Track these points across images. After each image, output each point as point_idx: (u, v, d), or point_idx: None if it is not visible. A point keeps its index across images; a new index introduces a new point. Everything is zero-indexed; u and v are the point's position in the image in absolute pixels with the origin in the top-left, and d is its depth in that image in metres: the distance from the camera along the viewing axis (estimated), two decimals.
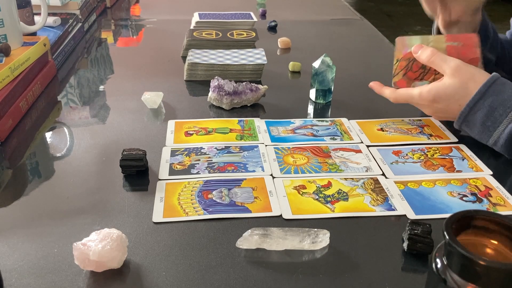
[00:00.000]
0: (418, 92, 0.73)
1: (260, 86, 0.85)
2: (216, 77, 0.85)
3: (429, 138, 0.75)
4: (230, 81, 0.84)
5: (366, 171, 0.67)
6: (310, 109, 0.86)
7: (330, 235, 0.53)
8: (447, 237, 0.37)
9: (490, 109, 0.67)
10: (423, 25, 3.79)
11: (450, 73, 0.70)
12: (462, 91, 0.69)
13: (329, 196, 0.61)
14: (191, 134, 0.75)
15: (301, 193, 0.62)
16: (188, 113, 0.83)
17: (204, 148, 0.71)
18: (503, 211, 0.59)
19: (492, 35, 0.85)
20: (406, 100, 0.76)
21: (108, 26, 1.36)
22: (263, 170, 0.67)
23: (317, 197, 0.61)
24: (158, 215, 0.58)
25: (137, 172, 0.65)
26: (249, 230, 0.53)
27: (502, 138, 0.67)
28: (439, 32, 0.84)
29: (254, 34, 1.09)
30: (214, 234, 0.55)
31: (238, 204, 0.60)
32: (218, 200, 0.60)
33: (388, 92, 0.78)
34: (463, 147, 0.73)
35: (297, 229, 0.53)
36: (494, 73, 0.69)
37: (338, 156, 0.70)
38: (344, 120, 0.81)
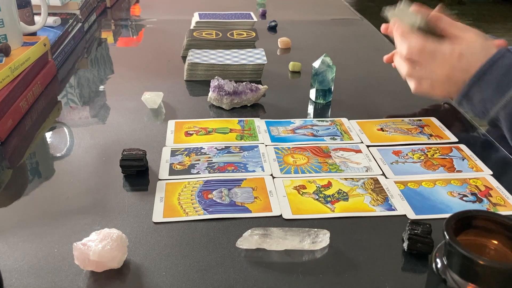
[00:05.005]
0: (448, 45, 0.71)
1: (260, 86, 0.85)
2: (216, 77, 0.85)
3: (429, 138, 0.75)
4: (230, 81, 0.84)
5: (366, 171, 0.67)
6: (310, 109, 0.86)
7: (330, 235, 0.53)
8: (447, 237, 0.37)
9: (508, 68, 0.66)
10: None
11: (476, 31, 0.71)
12: (484, 50, 0.69)
13: (329, 196, 0.61)
14: (191, 134, 0.76)
15: (301, 193, 0.62)
16: (188, 113, 0.83)
17: (204, 148, 0.71)
18: (503, 211, 0.59)
19: None
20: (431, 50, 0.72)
21: (108, 26, 1.36)
22: (263, 170, 0.67)
23: (317, 197, 0.61)
24: (158, 215, 0.58)
25: (137, 172, 0.65)
26: (249, 230, 0.53)
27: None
28: None
29: (254, 34, 1.09)
30: (214, 234, 0.55)
31: (238, 204, 0.60)
32: (218, 200, 0.60)
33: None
34: (463, 147, 0.73)
35: (297, 229, 0.53)
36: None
37: (338, 156, 0.70)
38: (344, 120, 0.81)
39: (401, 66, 0.76)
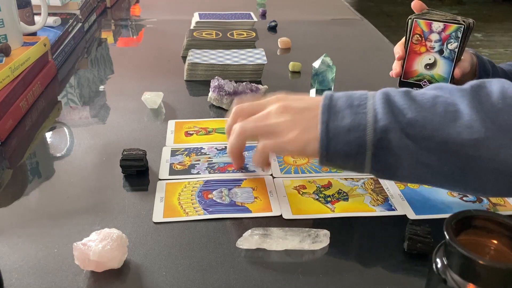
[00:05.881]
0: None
1: (260, 86, 0.85)
2: (216, 77, 0.85)
3: None
4: (230, 81, 0.84)
5: None
6: None
7: (330, 235, 0.53)
8: (447, 237, 0.37)
9: (346, 96, 0.54)
10: None
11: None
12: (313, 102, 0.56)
13: (329, 196, 0.61)
14: (191, 134, 0.76)
15: (301, 193, 0.62)
16: (188, 113, 0.83)
17: (204, 148, 0.71)
18: (503, 211, 0.59)
19: (491, 70, 0.84)
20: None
21: (108, 26, 1.36)
22: (263, 170, 0.66)
23: (317, 197, 0.61)
24: (158, 215, 0.58)
25: (137, 172, 0.65)
26: (249, 230, 0.53)
27: (377, 101, 0.52)
28: None
29: (254, 34, 1.09)
30: (214, 234, 0.55)
31: (238, 204, 0.60)
32: (218, 200, 0.60)
33: None
34: None
35: (297, 229, 0.53)
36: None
37: None
38: None
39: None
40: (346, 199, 0.61)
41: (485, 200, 0.61)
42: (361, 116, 0.52)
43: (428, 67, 0.86)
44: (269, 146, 0.57)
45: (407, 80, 0.90)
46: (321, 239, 0.53)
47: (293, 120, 0.55)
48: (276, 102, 0.58)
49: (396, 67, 0.86)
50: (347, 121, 0.52)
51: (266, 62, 0.95)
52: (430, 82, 0.88)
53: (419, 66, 0.88)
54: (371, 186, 0.63)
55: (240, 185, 0.63)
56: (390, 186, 0.63)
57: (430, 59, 0.83)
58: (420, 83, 0.89)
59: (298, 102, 0.57)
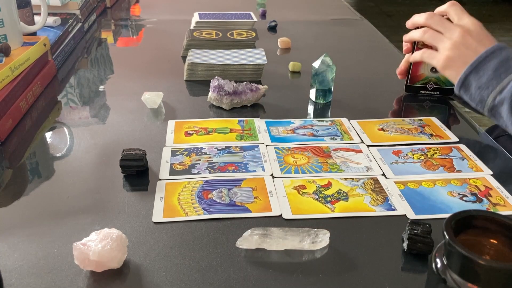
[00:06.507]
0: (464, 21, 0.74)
1: (260, 86, 0.85)
2: (216, 77, 0.85)
3: (430, 138, 0.75)
4: (230, 81, 0.84)
5: (367, 171, 0.67)
6: (310, 109, 0.85)
7: (330, 235, 0.53)
8: (447, 237, 0.37)
9: (505, 58, 0.69)
10: None
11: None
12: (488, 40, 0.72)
13: (329, 196, 0.61)
14: (191, 134, 0.76)
15: (301, 193, 0.62)
16: (188, 113, 0.83)
17: (204, 148, 0.71)
18: (503, 211, 0.59)
19: None
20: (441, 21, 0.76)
21: (108, 26, 1.36)
22: (263, 170, 0.67)
23: (317, 197, 0.61)
24: (158, 215, 0.58)
25: (137, 172, 0.65)
26: (249, 230, 0.53)
27: (511, 85, 0.67)
28: None
29: (254, 34, 1.09)
30: (214, 234, 0.55)
31: (238, 204, 0.60)
32: (218, 200, 0.60)
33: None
34: (463, 147, 0.73)
35: (297, 229, 0.53)
36: None
37: (338, 156, 0.70)
38: (344, 120, 0.81)
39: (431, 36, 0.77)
40: (346, 199, 0.61)
41: (485, 200, 0.61)
42: (494, 82, 0.67)
43: (434, 70, 0.86)
44: (422, 56, 0.78)
45: (413, 84, 0.90)
46: (321, 239, 0.53)
47: (456, 45, 0.72)
48: (460, 28, 0.73)
49: (401, 65, 0.90)
50: (483, 80, 0.68)
51: (266, 62, 0.95)
52: (437, 84, 0.88)
53: (425, 69, 0.88)
54: (371, 186, 0.63)
55: (240, 185, 0.63)
56: (390, 186, 0.63)
57: None
58: (427, 86, 0.89)
59: (473, 39, 0.72)
